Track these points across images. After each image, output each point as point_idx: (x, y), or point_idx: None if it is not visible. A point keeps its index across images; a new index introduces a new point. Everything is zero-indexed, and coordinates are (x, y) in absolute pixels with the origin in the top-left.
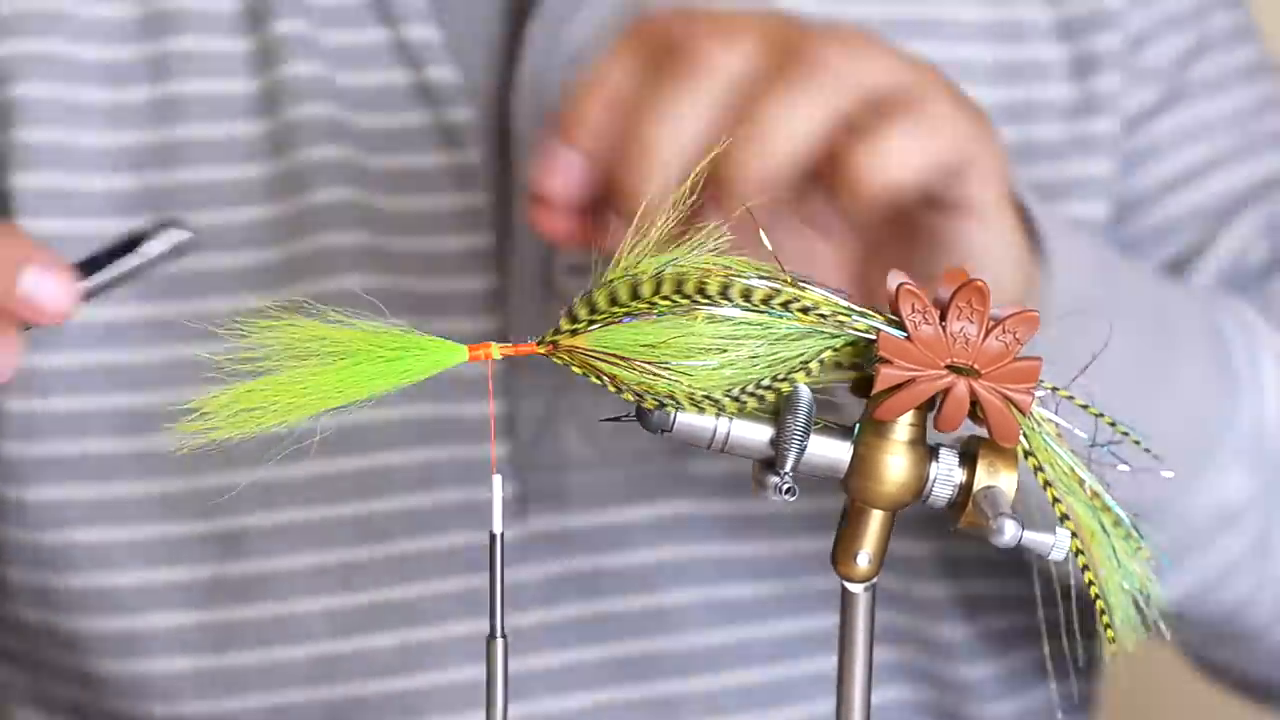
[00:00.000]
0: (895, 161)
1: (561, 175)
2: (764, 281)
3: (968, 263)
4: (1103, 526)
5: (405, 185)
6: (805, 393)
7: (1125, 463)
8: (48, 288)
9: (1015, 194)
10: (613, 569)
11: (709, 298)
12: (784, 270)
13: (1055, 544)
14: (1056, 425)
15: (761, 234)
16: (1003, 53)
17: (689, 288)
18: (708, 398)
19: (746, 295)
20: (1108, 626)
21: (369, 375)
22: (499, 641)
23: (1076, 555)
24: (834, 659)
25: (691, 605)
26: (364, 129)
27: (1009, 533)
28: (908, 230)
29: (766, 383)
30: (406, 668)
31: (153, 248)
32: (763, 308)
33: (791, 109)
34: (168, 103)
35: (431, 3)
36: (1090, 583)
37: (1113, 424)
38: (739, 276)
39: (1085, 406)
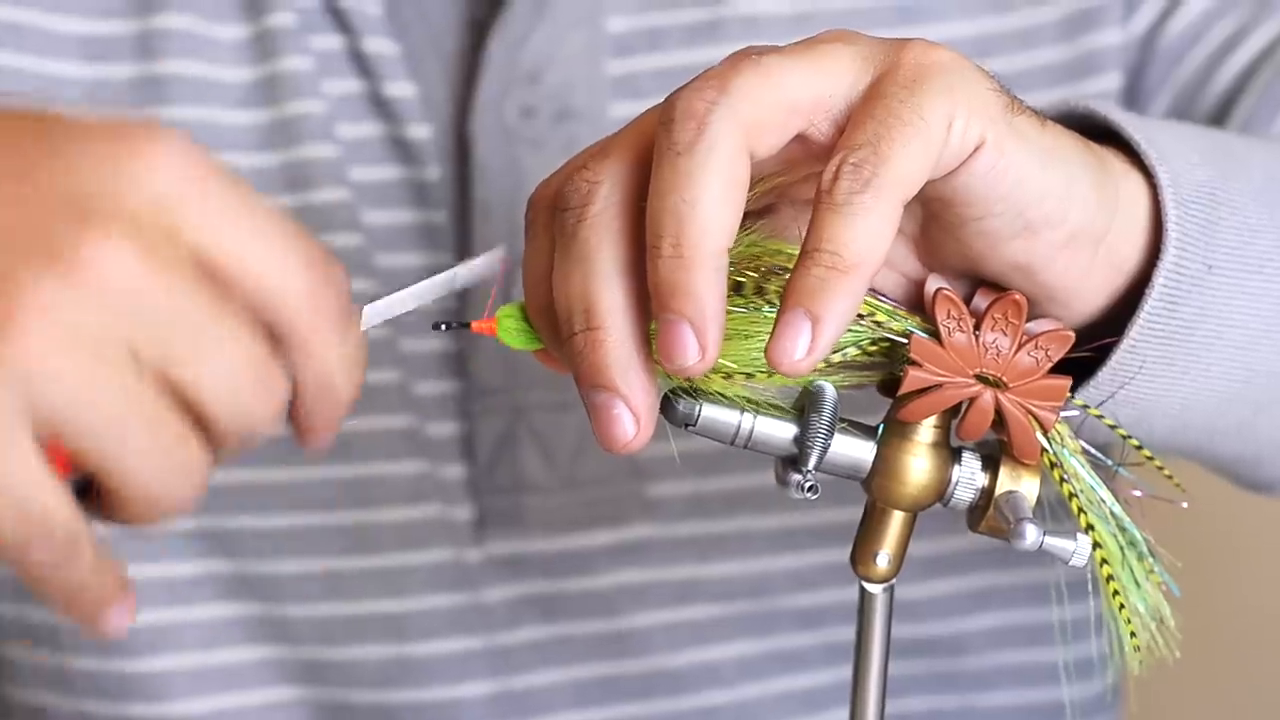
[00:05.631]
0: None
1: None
2: None
3: (999, 184)
4: (1120, 547)
5: (365, 198)
6: (830, 390)
7: (1138, 489)
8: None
9: (1071, 105)
10: (574, 592)
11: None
12: None
13: (1076, 550)
14: (1081, 446)
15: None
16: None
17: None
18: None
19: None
20: (1133, 635)
21: None
22: None
23: (1102, 565)
24: (799, 678)
25: (655, 628)
26: (338, 137)
27: (1030, 537)
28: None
29: None
30: (391, 681)
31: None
32: None
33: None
34: (151, 82)
35: (388, 14)
36: (1115, 592)
37: (1138, 447)
38: (778, 268)
39: (1114, 427)
